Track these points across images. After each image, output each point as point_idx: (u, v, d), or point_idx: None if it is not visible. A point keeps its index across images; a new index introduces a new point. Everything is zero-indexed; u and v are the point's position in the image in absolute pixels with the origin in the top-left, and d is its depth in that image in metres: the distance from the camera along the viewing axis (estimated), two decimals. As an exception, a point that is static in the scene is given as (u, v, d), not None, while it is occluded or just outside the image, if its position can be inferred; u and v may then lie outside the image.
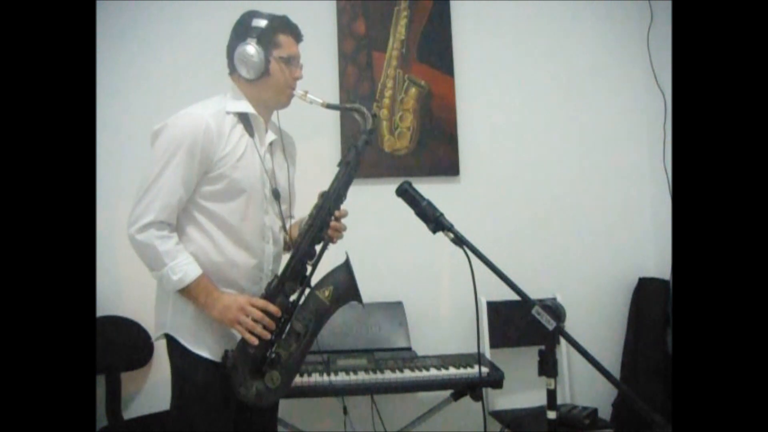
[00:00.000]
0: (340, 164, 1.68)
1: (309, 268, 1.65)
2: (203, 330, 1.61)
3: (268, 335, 1.57)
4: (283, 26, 1.67)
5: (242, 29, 1.65)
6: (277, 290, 1.61)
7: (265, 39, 1.63)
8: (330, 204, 1.65)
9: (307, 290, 1.64)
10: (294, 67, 1.69)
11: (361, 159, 1.69)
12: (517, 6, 2.89)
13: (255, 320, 1.55)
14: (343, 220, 1.72)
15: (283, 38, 1.66)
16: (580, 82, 2.92)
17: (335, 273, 1.65)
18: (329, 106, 1.70)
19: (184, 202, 1.59)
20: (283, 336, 1.60)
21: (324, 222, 1.65)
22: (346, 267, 1.65)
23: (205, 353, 1.60)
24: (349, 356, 2.37)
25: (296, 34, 1.69)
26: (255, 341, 1.55)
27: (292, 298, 1.63)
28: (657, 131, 2.82)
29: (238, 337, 1.58)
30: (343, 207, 1.69)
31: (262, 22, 1.64)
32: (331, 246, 1.70)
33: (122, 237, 1.58)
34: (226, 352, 1.58)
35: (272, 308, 1.58)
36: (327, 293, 1.61)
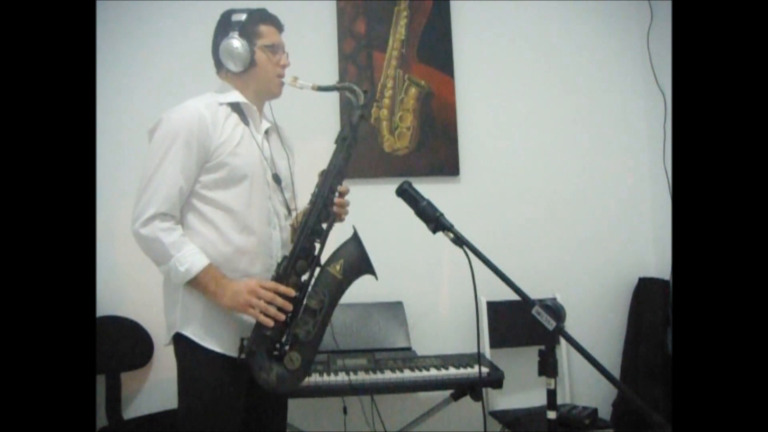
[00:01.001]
0: (336, 141, 1.69)
1: (317, 246, 1.65)
2: (215, 323, 1.59)
3: (282, 316, 1.56)
4: (263, 17, 1.70)
5: (224, 26, 1.69)
6: (287, 271, 1.60)
7: (247, 31, 1.66)
8: (331, 180, 1.65)
9: (318, 269, 1.63)
10: (280, 55, 1.71)
11: (358, 149, 1.70)
12: (517, 6, 2.89)
13: (267, 302, 1.55)
14: (348, 205, 1.73)
15: (265, 28, 1.69)
16: (580, 82, 2.92)
17: (345, 246, 1.64)
18: (320, 89, 1.70)
19: (186, 193, 1.59)
20: (299, 315, 1.59)
21: (327, 199, 1.65)
22: (355, 240, 1.64)
23: (216, 347, 1.59)
24: (349, 356, 2.36)
25: (277, 24, 1.73)
26: (270, 322, 1.54)
27: (304, 277, 1.62)
28: (657, 131, 2.82)
29: (251, 328, 1.58)
30: (344, 185, 1.69)
31: (242, 16, 1.67)
32: (337, 227, 1.70)
33: (122, 237, 1.58)
34: (242, 340, 1.58)
35: (283, 288, 1.57)
36: (338, 267, 1.61)
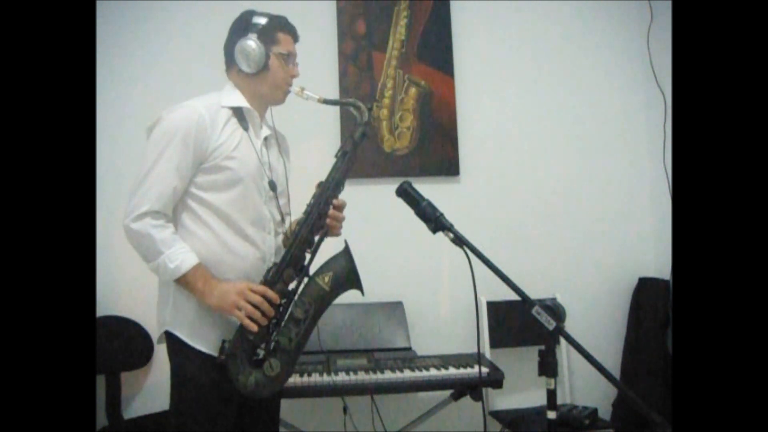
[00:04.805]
0: (337, 155, 1.70)
1: (308, 256, 1.65)
2: (204, 324, 1.60)
3: (266, 321, 1.56)
4: (282, 25, 1.72)
5: (242, 26, 1.69)
6: (275, 277, 1.60)
7: (266, 35, 1.67)
8: (328, 193, 1.66)
9: (306, 279, 1.63)
10: (291, 65, 1.73)
11: (358, 151, 1.70)
12: (518, 6, 2.90)
13: (254, 306, 1.55)
14: (343, 219, 1.73)
15: (282, 36, 1.71)
16: (580, 81, 2.92)
17: (335, 259, 1.65)
18: (325, 102, 1.72)
19: (180, 192, 1.59)
20: (283, 323, 1.60)
21: (322, 210, 1.66)
22: (345, 253, 1.65)
23: (204, 348, 1.59)
24: (349, 356, 2.37)
25: (294, 34, 1.75)
26: (254, 327, 1.54)
27: (291, 286, 1.63)
28: (657, 131, 2.82)
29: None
30: (341, 198, 1.70)
31: (263, 20, 1.69)
32: (331, 238, 1.70)
33: (122, 237, 1.58)
34: (223, 342, 1.58)
35: (271, 294, 1.57)
36: (326, 279, 1.61)
